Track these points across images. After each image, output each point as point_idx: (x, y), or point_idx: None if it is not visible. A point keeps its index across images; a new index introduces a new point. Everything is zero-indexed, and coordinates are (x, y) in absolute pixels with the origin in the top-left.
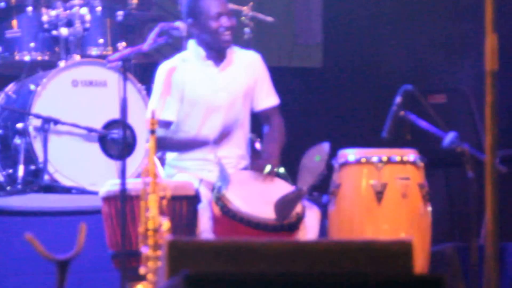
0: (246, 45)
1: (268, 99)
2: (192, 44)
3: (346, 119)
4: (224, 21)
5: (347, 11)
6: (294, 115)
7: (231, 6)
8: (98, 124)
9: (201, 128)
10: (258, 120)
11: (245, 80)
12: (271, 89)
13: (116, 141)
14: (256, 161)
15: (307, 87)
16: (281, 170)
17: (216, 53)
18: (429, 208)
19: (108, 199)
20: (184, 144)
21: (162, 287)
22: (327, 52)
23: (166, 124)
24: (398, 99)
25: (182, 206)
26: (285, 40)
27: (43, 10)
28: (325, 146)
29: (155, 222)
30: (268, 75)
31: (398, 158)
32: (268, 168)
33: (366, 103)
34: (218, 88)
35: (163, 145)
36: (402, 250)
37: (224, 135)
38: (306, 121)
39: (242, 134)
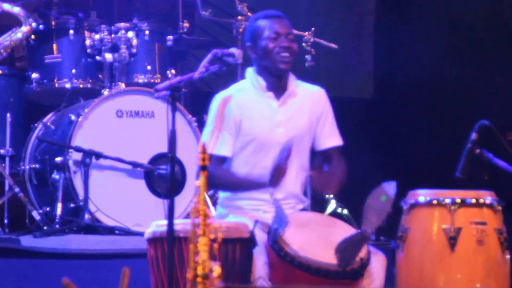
0: (306, 73)
1: (330, 139)
2: (250, 72)
3: (414, 157)
4: (282, 41)
5: (402, 38)
6: (348, 151)
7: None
8: (144, 159)
9: (255, 165)
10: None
11: (306, 117)
12: (335, 128)
13: (163, 177)
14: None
15: (357, 119)
16: (345, 211)
17: (276, 81)
18: (508, 256)
19: (154, 241)
20: (238, 184)
21: None
22: (378, 82)
23: (221, 160)
24: (474, 136)
25: (235, 250)
26: (333, 68)
27: (86, 33)
28: (392, 186)
29: (205, 267)
30: (332, 113)
31: (473, 201)
32: (331, 207)
33: (437, 140)
34: (276, 124)
35: (215, 183)
36: None
37: (280, 174)
38: (366, 159)
39: (302, 174)
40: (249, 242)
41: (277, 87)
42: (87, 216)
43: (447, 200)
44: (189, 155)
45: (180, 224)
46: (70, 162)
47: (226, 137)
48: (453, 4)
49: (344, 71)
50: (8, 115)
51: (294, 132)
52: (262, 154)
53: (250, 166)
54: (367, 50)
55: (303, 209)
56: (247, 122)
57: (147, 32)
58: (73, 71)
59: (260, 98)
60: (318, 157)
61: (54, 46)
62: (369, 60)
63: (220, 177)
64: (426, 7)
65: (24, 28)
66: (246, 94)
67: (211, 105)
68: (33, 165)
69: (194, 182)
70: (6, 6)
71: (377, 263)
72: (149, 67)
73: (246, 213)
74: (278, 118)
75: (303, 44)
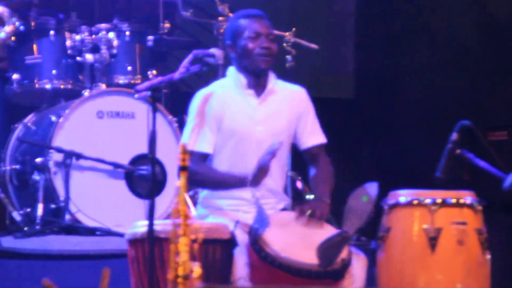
0: (286, 73)
1: (313, 137)
2: (231, 70)
3: (395, 157)
4: (262, 41)
5: (382, 38)
6: (329, 151)
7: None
8: (124, 160)
9: (236, 162)
10: (299, 158)
11: (286, 116)
12: (317, 126)
13: (144, 178)
14: (303, 205)
15: (338, 120)
16: None
17: (256, 79)
18: (488, 257)
19: (134, 241)
20: (219, 181)
21: None
22: (359, 82)
23: (202, 156)
24: (454, 136)
25: (216, 251)
26: (314, 69)
27: (67, 34)
28: (373, 186)
29: (186, 267)
30: (314, 111)
31: (453, 201)
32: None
33: (418, 140)
34: (256, 121)
35: (196, 179)
36: None
37: (262, 174)
38: (348, 159)
39: (282, 172)
40: (230, 242)
41: (257, 85)
42: (68, 216)
43: (428, 200)
44: (169, 156)
45: (161, 224)
46: (51, 163)
47: (207, 134)
48: (434, 5)
49: (325, 72)
50: None
51: (274, 130)
52: (242, 151)
53: (230, 163)
54: (348, 50)
55: (284, 209)
56: (227, 119)
57: (127, 32)
58: (54, 72)
59: (241, 96)
60: (304, 156)
61: (35, 46)
62: (350, 60)
63: (201, 173)
64: (406, 8)
65: (8, 28)
66: (227, 91)
67: (192, 103)
68: (14, 166)
69: (174, 183)
70: None
71: (358, 264)
72: (129, 68)
73: (226, 214)
74: (258, 116)
75: (284, 44)
